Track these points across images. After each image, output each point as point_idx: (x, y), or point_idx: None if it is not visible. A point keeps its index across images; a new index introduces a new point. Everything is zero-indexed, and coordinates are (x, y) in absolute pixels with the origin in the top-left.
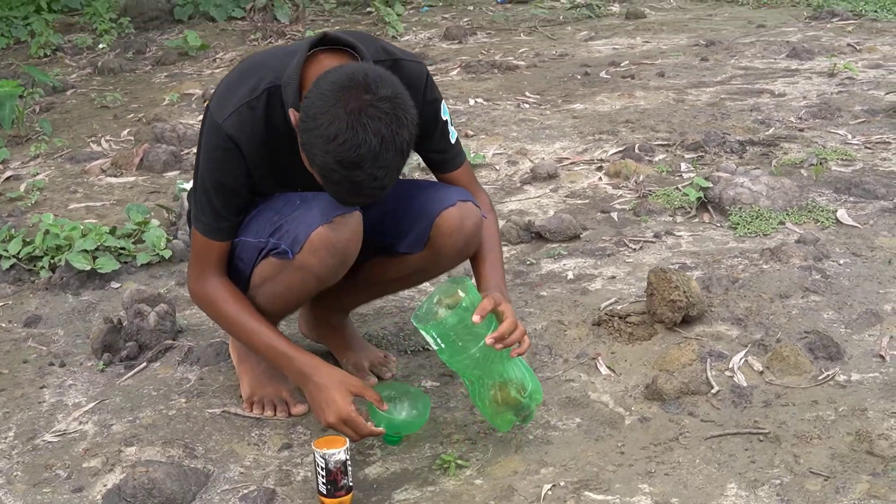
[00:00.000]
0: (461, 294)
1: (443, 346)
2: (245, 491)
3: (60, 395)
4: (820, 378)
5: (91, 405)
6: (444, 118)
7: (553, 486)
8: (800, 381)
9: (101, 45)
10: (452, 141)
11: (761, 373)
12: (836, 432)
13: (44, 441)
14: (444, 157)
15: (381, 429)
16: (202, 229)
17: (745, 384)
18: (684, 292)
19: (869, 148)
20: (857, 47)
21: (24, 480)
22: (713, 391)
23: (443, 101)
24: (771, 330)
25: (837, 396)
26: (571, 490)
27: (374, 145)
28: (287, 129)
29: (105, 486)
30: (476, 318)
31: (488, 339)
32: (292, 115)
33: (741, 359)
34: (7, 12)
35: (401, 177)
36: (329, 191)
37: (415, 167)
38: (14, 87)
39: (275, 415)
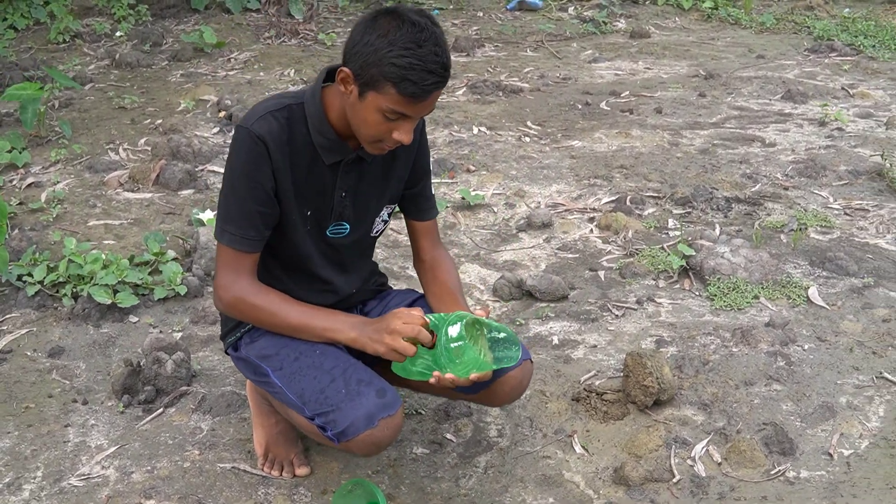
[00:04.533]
0: None
1: None
2: None
3: (84, 436)
4: (772, 472)
5: (112, 449)
6: (429, 168)
7: None
8: (753, 474)
9: (118, 34)
10: (432, 191)
11: (720, 464)
12: None
13: (69, 484)
14: (427, 203)
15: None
16: (229, 240)
17: (703, 474)
18: (657, 378)
19: (848, 214)
20: (850, 91)
21: None
22: (674, 480)
23: None
24: (733, 419)
25: (785, 493)
26: None
27: (427, 25)
28: (305, 144)
29: None
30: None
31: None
32: (340, 74)
33: (703, 448)
34: None
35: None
36: (400, 87)
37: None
38: (36, 91)
39: (281, 475)
